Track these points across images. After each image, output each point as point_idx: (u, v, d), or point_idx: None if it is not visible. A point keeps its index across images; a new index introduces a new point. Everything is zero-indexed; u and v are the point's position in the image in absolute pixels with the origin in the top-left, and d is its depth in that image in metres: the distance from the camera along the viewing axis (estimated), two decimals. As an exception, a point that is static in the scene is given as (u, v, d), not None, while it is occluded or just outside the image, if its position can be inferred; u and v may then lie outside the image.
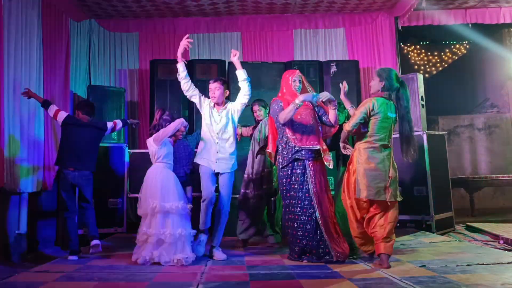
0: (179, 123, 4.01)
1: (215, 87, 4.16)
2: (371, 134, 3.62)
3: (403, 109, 3.68)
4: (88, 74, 6.91)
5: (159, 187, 3.82)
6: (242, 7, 6.88)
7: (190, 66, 6.47)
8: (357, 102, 6.47)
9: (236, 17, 7.19)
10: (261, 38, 7.28)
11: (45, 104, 4.35)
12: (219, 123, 4.11)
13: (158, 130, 4.00)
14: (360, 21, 7.24)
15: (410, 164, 5.71)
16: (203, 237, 4.10)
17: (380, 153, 3.62)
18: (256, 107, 4.84)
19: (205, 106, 4.17)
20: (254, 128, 4.84)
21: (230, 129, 4.13)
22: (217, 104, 4.17)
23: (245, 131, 4.98)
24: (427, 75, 10.03)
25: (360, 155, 3.60)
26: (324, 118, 3.93)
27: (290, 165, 3.81)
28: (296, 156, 3.80)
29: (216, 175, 4.11)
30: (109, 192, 5.58)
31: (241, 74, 4.23)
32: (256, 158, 4.57)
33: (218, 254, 3.98)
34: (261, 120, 4.76)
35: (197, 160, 4.16)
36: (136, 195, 4.77)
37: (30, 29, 4.97)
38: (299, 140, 3.79)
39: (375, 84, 3.69)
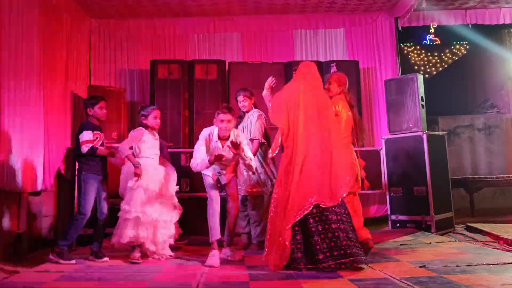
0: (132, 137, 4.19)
1: (228, 120, 3.87)
2: (342, 133, 3.97)
3: (353, 106, 4.26)
4: (88, 74, 6.90)
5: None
6: (242, 7, 6.87)
7: (190, 66, 6.49)
8: (357, 102, 6.48)
9: (236, 17, 7.18)
10: (261, 38, 7.28)
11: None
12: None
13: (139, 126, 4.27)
14: (360, 22, 7.24)
15: (410, 164, 5.76)
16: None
17: (351, 149, 4.06)
18: (240, 97, 4.66)
19: (209, 145, 3.98)
20: (240, 118, 4.71)
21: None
22: (223, 138, 3.93)
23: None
24: (427, 75, 10.04)
25: None
26: None
27: None
28: None
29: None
30: (109, 192, 5.56)
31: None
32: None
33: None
34: (246, 111, 4.68)
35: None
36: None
37: (30, 29, 4.96)
38: None
39: (335, 87, 4.22)
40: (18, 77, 4.69)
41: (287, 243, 3.35)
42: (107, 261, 3.99)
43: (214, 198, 3.95)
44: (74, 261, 3.87)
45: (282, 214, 3.47)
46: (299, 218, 3.39)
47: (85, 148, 3.96)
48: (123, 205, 4.05)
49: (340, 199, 3.51)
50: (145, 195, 4.02)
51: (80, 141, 3.98)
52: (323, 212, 3.43)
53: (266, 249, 3.55)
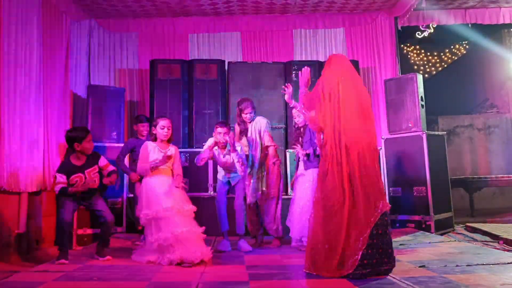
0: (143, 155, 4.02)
1: (224, 132, 4.55)
2: None
3: None
4: (88, 74, 6.90)
5: (156, 193, 3.90)
6: (242, 7, 6.88)
7: (190, 66, 6.50)
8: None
9: (236, 17, 7.18)
10: (261, 38, 7.28)
11: None
12: (226, 162, 4.62)
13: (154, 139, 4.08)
14: (360, 21, 7.24)
15: (410, 164, 5.76)
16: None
17: None
18: (249, 109, 4.79)
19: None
20: (242, 130, 4.89)
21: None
22: (222, 147, 4.61)
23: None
24: (426, 75, 10.04)
25: None
26: None
27: None
28: None
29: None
30: (108, 192, 5.57)
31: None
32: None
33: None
34: (249, 122, 4.82)
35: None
36: (136, 195, 4.80)
37: (30, 29, 4.96)
38: None
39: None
40: (18, 77, 4.69)
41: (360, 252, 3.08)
42: (109, 260, 4.02)
43: (220, 200, 4.66)
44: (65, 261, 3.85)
45: (338, 219, 3.17)
46: (373, 225, 3.12)
47: (56, 189, 3.93)
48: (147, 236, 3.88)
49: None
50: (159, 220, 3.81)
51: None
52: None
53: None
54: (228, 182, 4.72)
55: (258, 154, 4.76)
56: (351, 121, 3.28)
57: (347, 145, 3.23)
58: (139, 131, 5.23)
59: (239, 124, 4.90)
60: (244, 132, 4.86)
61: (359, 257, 3.07)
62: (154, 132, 4.05)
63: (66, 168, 3.99)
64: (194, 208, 3.95)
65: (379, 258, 3.12)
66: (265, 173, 4.77)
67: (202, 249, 3.75)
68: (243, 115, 4.80)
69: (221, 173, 4.76)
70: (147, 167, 3.96)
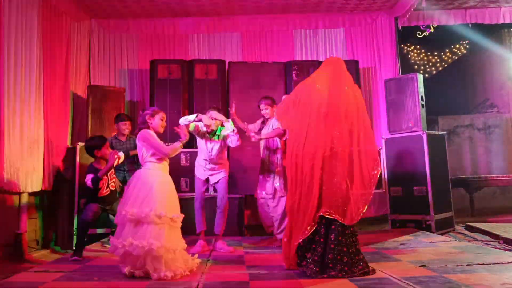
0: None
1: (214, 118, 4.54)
2: None
3: None
4: (88, 74, 6.90)
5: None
6: (242, 7, 6.87)
7: (190, 66, 6.50)
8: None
9: (236, 17, 7.18)
10: (261, 38, 7.28)
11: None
12: (211, 150, 4.59)
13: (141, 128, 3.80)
14: (360, 21, 7.24)
15: (410, 164, 5.76)
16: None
17: None
18: (262, 105, 4.90)
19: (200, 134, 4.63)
20: (263, 123, 5.01)
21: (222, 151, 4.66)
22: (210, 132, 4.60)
23: (252, 127, 5.05)
24: (427, 75, 10.02)
25: None
26: None
27: None
28: None
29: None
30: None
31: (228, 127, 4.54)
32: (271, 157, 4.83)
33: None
34: (268, 118, 4.91)
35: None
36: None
37: (30, 29, 4.97)
38: None
39: None
40: (18, 77, 4.70)
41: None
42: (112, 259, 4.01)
43: (199, 198, 4.62)
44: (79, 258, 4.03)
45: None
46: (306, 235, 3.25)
47: (88, 182, 4.20)
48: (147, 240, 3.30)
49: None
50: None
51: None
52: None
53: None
54: (207, 180, 4.65)
55: (270, 151, 4.83)
56: (315, 126, 3.35)
57: (310, 150, 3.32)
58: (121, 130, 5.13)
59: (262, 122, 5.00)
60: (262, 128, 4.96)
61: (294, 262, 3.33)
62: (149, 121, 3.76)
63: (92, 171, 4.31)
64: (182, 216, 3.54)
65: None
66: (275, 168, 4.77)
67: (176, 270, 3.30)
68: (261, 111, 4.93)
69: (199, 170, 4.66)
70: (172, 146, 3.74)
